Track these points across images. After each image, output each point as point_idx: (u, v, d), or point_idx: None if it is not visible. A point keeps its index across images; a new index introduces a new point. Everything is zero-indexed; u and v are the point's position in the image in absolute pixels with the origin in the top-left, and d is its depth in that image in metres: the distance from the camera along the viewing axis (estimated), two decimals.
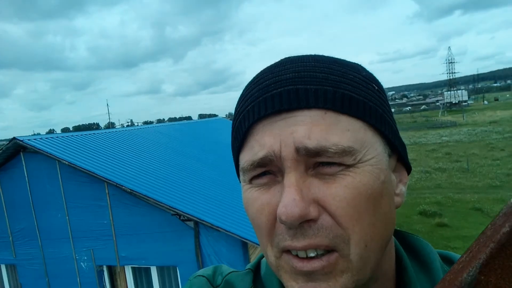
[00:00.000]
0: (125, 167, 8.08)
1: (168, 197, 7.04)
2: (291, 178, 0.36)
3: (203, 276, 0.54)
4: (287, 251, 0.38)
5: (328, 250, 0.37)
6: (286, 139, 0.37)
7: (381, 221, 0.38)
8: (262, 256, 0.54)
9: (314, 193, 0.36)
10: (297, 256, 0.37)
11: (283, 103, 0.38)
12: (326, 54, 0.44)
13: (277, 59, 0.45)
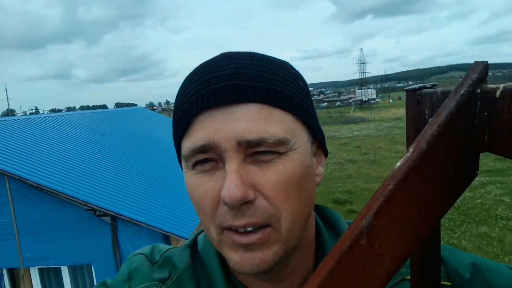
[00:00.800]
0: (30, 159, 7.32)
1: (81, 191, 6.57)
2: (232, 166, 0.41)
3: (142, 254, 0.57)
4: (228, 228, 0.43)
5: (263, 225, 0.42)
6: (228, 134, 0.41)
7: (305, 198, 0.45)
8: (199, 233, 0.59)
9: (252, 178, 0.42)
10: (236, 231, 0.42)
11: (224, 97, 0.42)
12: (250, 48, 0.49)
13: (201, 50, 0.52)
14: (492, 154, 0.23)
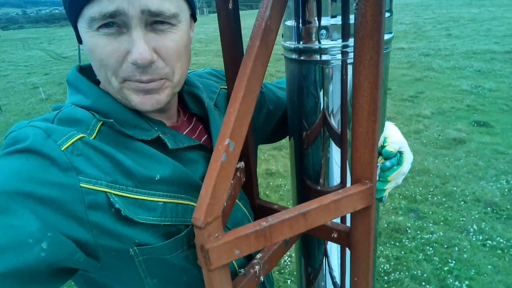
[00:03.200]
0: None
1: None
2: (139, 33, 0.52)
3: (37, 121, 0.53)
4: (129, 80, 0.55)
5: (161, 79, 0.57)
6: (134, 3, 0.50)
7: (188, 57, 0.62)
8: (57, 108, 0.59)
9: (153, 44, 0.54)
10: (138, 81, 0.55)
11: None
12: None
13: None
14: None
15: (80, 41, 0.59)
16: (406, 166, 0.70)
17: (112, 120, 0.57)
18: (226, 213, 0.59)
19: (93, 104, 0.59)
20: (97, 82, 0.64)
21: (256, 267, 0.62)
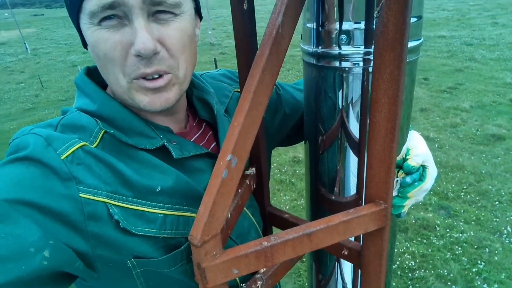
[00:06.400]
0: None
1: None
2: (141, 22, 0.50)
3: (35, 134, 0.52)
4: (137, 78, 0.53)
5: (166, 73, 0.55)
6: None
7: (193, 52, 0.60)
8: (65, 112, 0.60)
9: (156, 34, 0.52)
10: (145, 79, 0.54)
11: None
12: None
13: None
14: None
15: (85, 45, 0.58)
16: (429, 182, 0.64)
17: (113, 131, 0.56)
18: (230, 224, 0.57)
19: (98, 110, 0.58)
20: (104, 86, 0.63)
21: (259, 282, 0.60)
